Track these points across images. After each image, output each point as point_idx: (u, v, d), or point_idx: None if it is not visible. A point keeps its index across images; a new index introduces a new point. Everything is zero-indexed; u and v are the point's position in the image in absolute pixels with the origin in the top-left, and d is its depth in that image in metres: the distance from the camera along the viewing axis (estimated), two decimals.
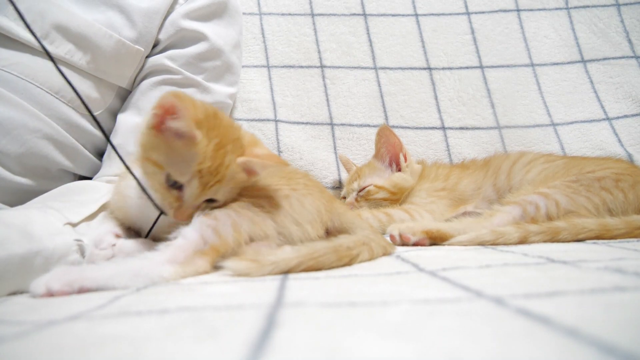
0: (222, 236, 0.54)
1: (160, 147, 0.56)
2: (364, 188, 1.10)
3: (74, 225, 0.68)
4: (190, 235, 0.53)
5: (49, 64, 0.85)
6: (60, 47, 0.86)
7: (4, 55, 0.83)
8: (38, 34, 0.83)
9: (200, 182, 0.55)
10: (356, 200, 1.10)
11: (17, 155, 0.82)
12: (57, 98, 0.86)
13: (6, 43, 0.84)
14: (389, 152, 1.12)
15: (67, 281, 0.46)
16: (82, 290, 0.46)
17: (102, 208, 0.73)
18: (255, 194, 0.61)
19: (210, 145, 0.55)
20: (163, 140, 0.55)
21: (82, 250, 0.66)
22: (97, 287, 0.47)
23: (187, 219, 0.56)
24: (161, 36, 0.99)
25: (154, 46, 0.99)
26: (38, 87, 0.84)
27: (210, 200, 0.58)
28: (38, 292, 0.45)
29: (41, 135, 0.84)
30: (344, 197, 1.16)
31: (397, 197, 1.09)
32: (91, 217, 0.72)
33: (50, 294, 0.45)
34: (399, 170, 1.12)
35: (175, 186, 0.56)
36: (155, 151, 0.56)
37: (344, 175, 1.24)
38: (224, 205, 0.58)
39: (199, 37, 1.02)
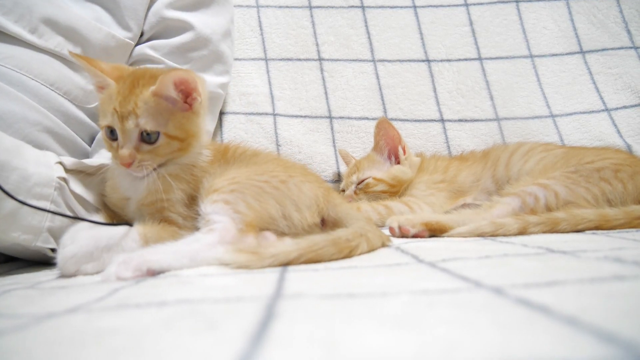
0: (246, 212, 0.57)
1: (100, 105, 0.64)
2: (362, 180, 1.10)
3: (66, 169, 0.70)
4: (221, 218, 0.56)
5: (43, 56, 0.85)
6: (49, 41, 0.86)
7: None
8: (27, 28, 0.84)
9: (118, 117, 0.60)
10: (355, 193, 1.10)
11: None
12: (52, 90, 0.85)
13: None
14: (388, 145, 1.12)
15: (136, 266, 0.49)
16: (149, 273, 0.49)
17: (101, 167, 0.73)
18: (253, 177, 0.61)
19: (121, 86, 0.62)
20: (100, 98, 0.64)
21: (61, 191, 0.68)
22: (160, 269, 0.50)
23: (131, 160, 0.61)
24: (145, 27, 0.99)
25: (140, 36, 0.99)
26: (33, 79, 0.83)
27: (148, 142, 0.61)
28: (111, 281, 0.48)
29: (41, 128, 0.84)
30: (343, 190, 1.15)
31: (396, 190, 1.09)
32: (89, 174, 0.73)
33: (122, 280, 0.48)
34: (398, 162, 1.11)
35: (114, 137, 0.62)
36: (100, 112, 0.64)
37: (343, 169, 1.23)
38: (175, 153, 0.64)
39: (184, 27, 1.01)
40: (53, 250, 0.69)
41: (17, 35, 0.83)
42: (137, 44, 0.99)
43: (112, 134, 0.63)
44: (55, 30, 0.86)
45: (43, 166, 0.66)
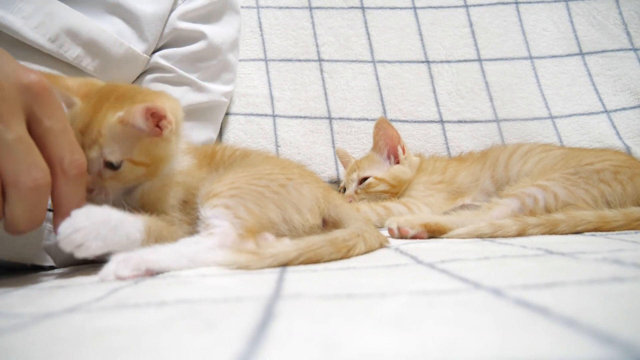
0: (246, 218, 0.56)
1: None
2: (364, 179, 1.10)
3: None
4: (221, 223, 0.55)
5: (56, 69, 0.82)
6: (69, 52, 0.81)
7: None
8: (47, 36, 0.78)
9: (80, 144, 0.55)
10: (356, 192, 1.10)
11: None
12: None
13: (14, 45, 0.77)
14: (387, 145, 1.12)
15: (134, 265, 0.49)
16: (147, 273, 0.49)
17: None
18: (252, 182, 0.61)
19: (85, 106, 0.56)
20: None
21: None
22: (159, 269, 0.50)
23: (93, 187, 0.56)
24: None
25: None
26: None
27: (111, 168, 0.57)
28: (109, 279, 0.47)
29: None
30: (343, 189, 1.16)
31: (396, 190, 1.09)
32: None
33: (121, 278, 0.47)
34: (397, 163, 1.12)
35: None
36: None
37: (342, 170, 1.24)
38: (144, 177, 0.59)
39: (197, 37, 1.00)
40: (52, 267, 0.69)
41: (34, 43, 0.78)
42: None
43: None
44: (75, 42, 0.82)
45: None
